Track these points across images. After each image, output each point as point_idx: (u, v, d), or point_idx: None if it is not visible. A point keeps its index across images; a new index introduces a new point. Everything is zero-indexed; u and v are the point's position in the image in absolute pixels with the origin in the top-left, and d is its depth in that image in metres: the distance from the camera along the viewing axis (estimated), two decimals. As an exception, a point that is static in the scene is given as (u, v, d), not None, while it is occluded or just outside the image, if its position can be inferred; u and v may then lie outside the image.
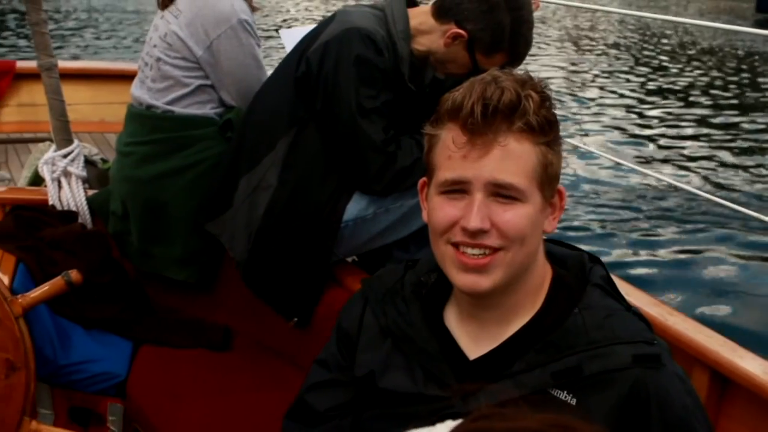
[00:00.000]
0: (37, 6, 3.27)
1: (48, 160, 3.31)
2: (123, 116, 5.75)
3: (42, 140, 5.51)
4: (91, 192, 3.35)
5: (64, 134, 3.35)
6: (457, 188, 1.50)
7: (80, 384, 2.91)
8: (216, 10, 2.91)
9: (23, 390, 2.20)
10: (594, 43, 20.62)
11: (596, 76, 15.83)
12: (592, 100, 13.39)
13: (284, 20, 23.30)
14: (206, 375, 2.96)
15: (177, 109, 3.00)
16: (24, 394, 2.21)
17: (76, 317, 3.00)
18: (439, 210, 1.53)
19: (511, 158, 1.47)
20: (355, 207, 2.71)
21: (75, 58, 17.17)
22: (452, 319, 1.66)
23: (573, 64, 17.10)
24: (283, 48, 3.51)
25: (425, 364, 1.61)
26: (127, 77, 6.23)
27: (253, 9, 3.06)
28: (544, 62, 16.50)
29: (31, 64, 6.60)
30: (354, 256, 2.93)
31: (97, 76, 5.74)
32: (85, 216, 3.26)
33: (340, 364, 1.81)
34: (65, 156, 3.31)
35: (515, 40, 2.62)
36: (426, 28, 2.71)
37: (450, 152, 1.51)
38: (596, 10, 20.33)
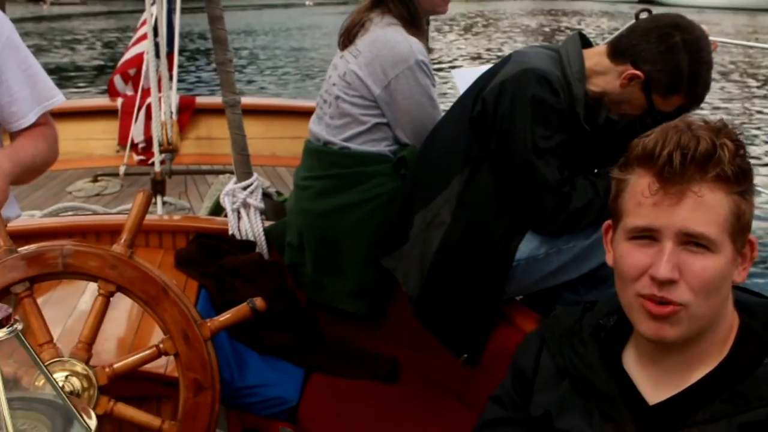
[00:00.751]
0: (224, 47, 3.47)
1: (229, 191, 3.48)
2: (293, 150, 6.01)
3: (218, 172, 5.81)
4: (267, 223, 3.50)
5: (244, 167, 3.51)
6: (647, 235, 1.50)
7: (254, 407, 3.02)
8: (395, 51, 3.00)
9: (209, 410, 2.31)
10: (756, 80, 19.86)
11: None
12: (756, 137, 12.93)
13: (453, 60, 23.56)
14: (373, 405, 3.02)
15: (353, 145, 3.10)
16: (209, 414, 2.31)
17: (252, 342, 3.13)
18: (628, 256, 1.53)
19: (704, 208, 1.45)
20: (527, 246, 2.72)
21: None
22: (631, 363, 1.65)
23: (734, 100, 16.53)
24: (453, 88, 3.57)
25: (603, 407, 1.60)
26: (296, 113, 6.51)
27: (429, 50, 3.14)
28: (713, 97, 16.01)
29: (208, 100, 7.01)
30: (522, 295, 2.93)
31: (268, 111, 6.02)
32: (263, 246, 3.41)
33: (515, 402, 1.82)
34: (245, 188, 3.48)
35: (694, 81, 2.59)
36: (601, 69, 2.71)
37: (640, 198, 1.50)
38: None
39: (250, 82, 21.96)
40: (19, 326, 1.27)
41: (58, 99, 2.51)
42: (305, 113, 6.38)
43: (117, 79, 6.55)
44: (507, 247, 2.72)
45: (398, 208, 2.96)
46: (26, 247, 2.22)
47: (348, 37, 3.14)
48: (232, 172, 5.39)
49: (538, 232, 2.72)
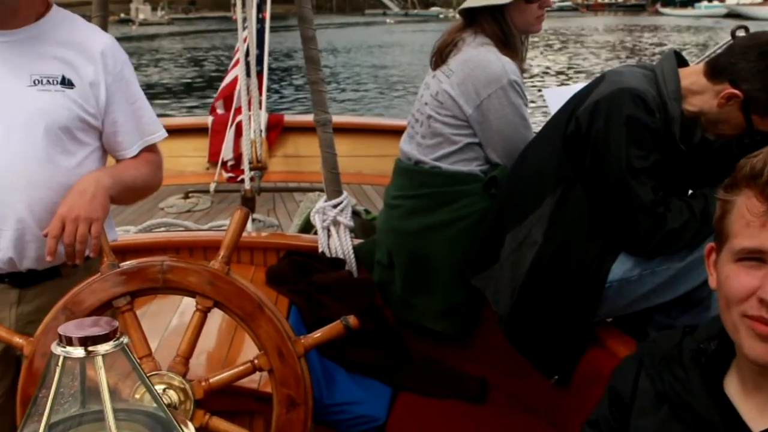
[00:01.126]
0: (316, 67, 3.52)
1: (319, 209, 3.53)
2: (378, 168, 6.06)
3: (305, 190, 5.89)
4: (356, 241, 3.53)
5: (334, 186, 3.55)
6: (755, 257, 1.47)
7: (343, 424, 3.04)
8: (487, 71, 3.00)
9: (301, 426, 2.33)
10: None
11: None
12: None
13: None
14: (461, 425, 3.02)
15: (444, 165, 3.11)
16: (302, 430, 2.34)
17: (341, 359, 3.16)
18: (734, 279, 1.50)
19: None
20: (620, 267, 2.68)
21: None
22: (734, 389, 1.61)
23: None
24: (545, 108, 3.56)
25: None
26: (381, 132, 6.57)
27: (523, 70, 3.13)
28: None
29: (295, 118, 7.11)
30: (613, 317, 2.90)
31: (354, 130, 6.08)
32: (352, 264, 3.44)
33: (611, 426, 1.79)
34: (335, 206, 3.52)
35: None
36: (698, 89, 2.66)
37: (748, 220, 1.47)
38: None
39: (332, 99, 22.19)
40: (125, 340, 1.31)
41: (160, 135, 2.59)
42: (391, 131, 6.46)
43: (218, 105, 6.70)
44: (599, 268, 2.69)
45: (489, 227, 2.96)
46: (128, 263, 2.28)
47: (440, 57, 3.16)
48: (319, 190, 5.47)
49: (631, 254, 2.68)
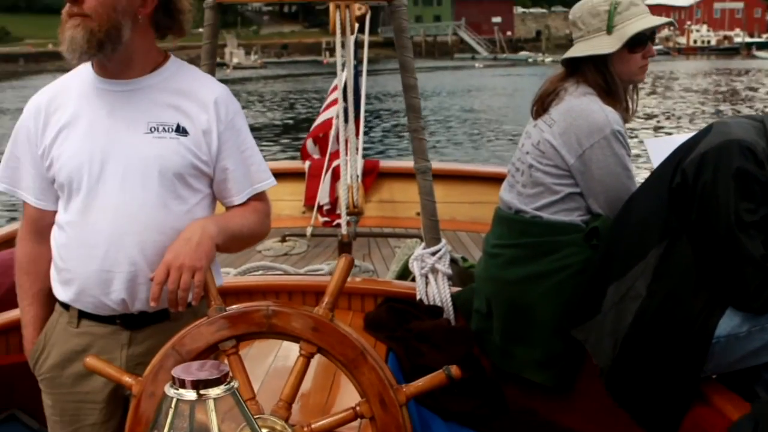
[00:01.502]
0: (417, 115, 3.56)
1: (418, 256, 3.54)
2: (472, 215, 6.05)
3: (400, 236, 5.93)
4: (454, 289, 3.53)
5: (433, 233, 3.57)
6: None
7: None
8: (590, 120, 2.99)
9: None
10: None
11: None
12: None
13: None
14: None
15: (545, 215, 3.10)
16: None
17: (437, 408, 3.15)
18: None
19: None
20: (727, 323, 2.62)
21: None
22: None
23: None
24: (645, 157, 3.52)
25: None
26: (475, 178, 6.59)
27: (626, 120, 3.12)
28: None
29: (391, 164, 7.18)
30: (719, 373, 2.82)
31: (448, 176, 6.10)
32: (450, 312, 3.44)
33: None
34: (434, 254, 3.53)
35: None
36: None
37: None
38: None
39: (404, 146, 22.32)
40: (235, 384, 1.34)
41: (269, 183, 2.63)
42: (485, 178, 6.47)
43: (309, 144, 6.82)
44: (706, 323, 2.63)
45: (590, 278, 2.93)
46: (233, 307, 2.33)
47: (542, 106, 3.16)
48: (414, 236, 5.51)
49: (739, 309, 2.62)
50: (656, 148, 3.37)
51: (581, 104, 3.04)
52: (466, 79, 55.38)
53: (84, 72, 2.48)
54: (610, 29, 3.04)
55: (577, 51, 3.11)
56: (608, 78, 3.07)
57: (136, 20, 2.37)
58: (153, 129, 2.40)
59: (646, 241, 2.73)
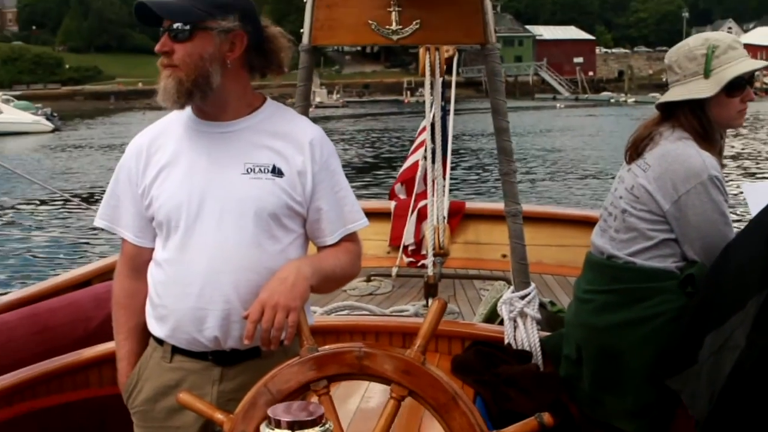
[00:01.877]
0: (508, 158, 3.56)
1: (506, 300, 3.52)
2: (558, 258, 5.99)
3: (485, 278, 5.90)
4: (542, 333, 3.49)
5: (522, 277, 3.55)
6: None
7: None
8: (686, 165, 2.94)
9: None
10: None
11: None
12: None
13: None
14: None
15: (639, 260, 3.05)
16: None
17: (523, 455, 3.10)
18: None
19: None
20: (831, 377, 2.53)
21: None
22: None
23: None
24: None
25: None
26: (561, 221, 6.52)
27: (722, 165, 3.06)
28: None
29: (476, 205, 7.17)
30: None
31: (533, 219, 6.05)
32: (538, 357, 3.40)
33: None
34: (522, 297, 3.50)
35: None
36: None
37: None
38: None
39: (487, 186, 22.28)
40: (329, 426, 1.35)
41: (362, 223, 2.65)
42: (571, 221, 6.41)
43: (398, 187, 6.86)
44: (809, 376, 2.54)
45: (686, 327, 2.86)
46: (326, 347, 2.34)
47: (636, 150, 3.12)
48: (500, 278, 5.47)
49: None
50: (755, 194, 3.29)
51: (677, 149, 3.00)
52: (548, 119, 55.13)
53: (184, 114, 2.54)
54: (707, 73, 3.00)
55: (673, 95, 3.07)
56: (705, 123, 3.02)
57: (225, 65, 2.43)
58: (249, 170, 2.45)
59: (745, 290, 2.66)
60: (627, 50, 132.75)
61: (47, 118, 53.34)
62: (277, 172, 2.46)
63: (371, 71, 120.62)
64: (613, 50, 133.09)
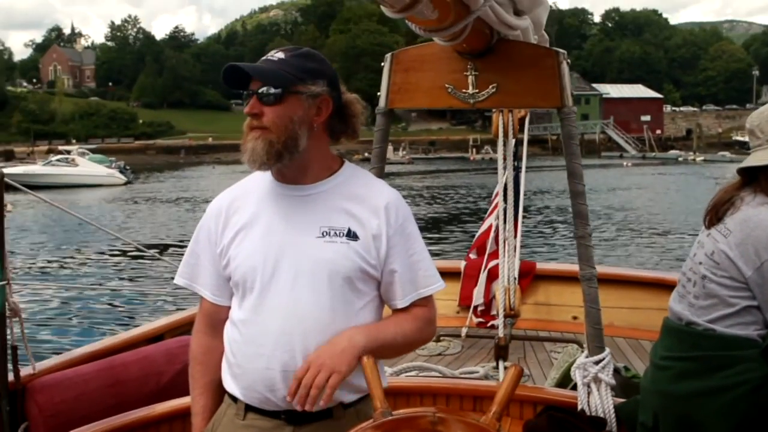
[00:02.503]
0: (584, 222, 3.52)
1: (580, 365, 3.46)
2: (630, 321, 5.89)
3: (556, 340, 5.83)
4: (616, 400, 3.42)
5: (597, 341, 3.48)
6: None
7: None
8: None
9: None
10: None
11: None
12: None
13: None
14: None
15: (719, 328, 2.98)
16: None
17: None
18: None
19: None
20: None
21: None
22: None
23: None
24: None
25: None
26: (632, 283, 6.43)
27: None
28: None
29: (547, 266, 7.12)
30: None
31: (605, 280, 5.98)
32: (613, 424, 3.33)
33: None
34: (597, 362, 3.44)
35: None
36: None
37: None
38: None
39: (570, 243, 22.03)
40: None
41: (437, 287, 2.64)
42: (643, 283, 6.31)
43: (472, 252, 6.85)
44: None
45: (765, 397, 2.78)
46: (400, 411, 2.32)
47: (716, 215, 3.07)
48: (570, 341, 5.41)
49: None
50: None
51: (759, 214, 2.94)
52: (615, 177, 54.71)
53: (263, 176, 2.58)
54: None
55: (755, 160, 3.03)
56: None
57: (312, 129, 2.47)
58: (325, 233, 2.47)
59: None
60: (695, 108, 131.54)
61: (120, 171, 54.95)
62: (352, 235, 2.48)
63: (437, 128, 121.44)
64: (681, 108, 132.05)
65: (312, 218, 2.49)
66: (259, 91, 2.42)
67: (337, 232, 2.47)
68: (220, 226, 2.58)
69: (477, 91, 3.52)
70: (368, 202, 2.53)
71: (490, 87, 3.51)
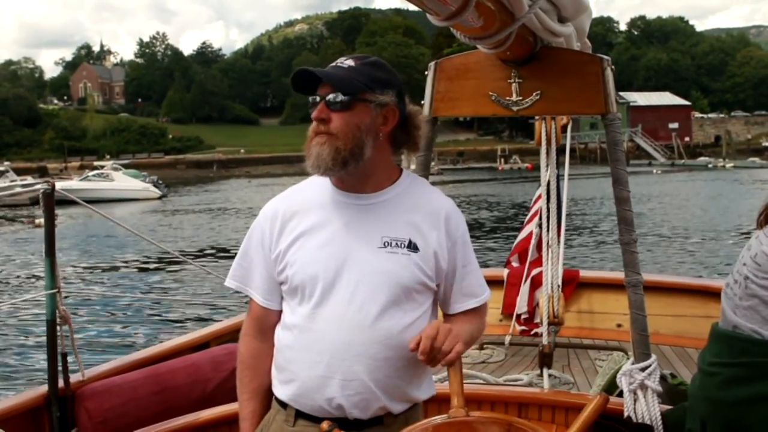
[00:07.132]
0: (629, 228, 3.52)
1: (626, 371, 3.45)
2: (675, 328, 5.85)
3: (600, 347, 5.81)
4: (663, 407, 3.41)
5: (643, 348, 3.47)
6: None
7: None
8: None
9: None
10: None
11: None
12: None
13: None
14: None
15: (765, 331, 2.97)
16: None
17: None
18: None
19: None
20: None
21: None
22: None
23: None
24: None
25: None
26: (676, 290, 6.38)
27: None
28: None
29: (590, 274, 7.08)
30: None
31: (649, 288, 5.95)
32: (659, 431, 3.31)
33: None
34: (643, 369, 3.43)
35: None
36: None
37: None
38: None
39: (602, 251, 21.89)
40: None
41: (484, 297, 2.69)
42: (688, 290, 6.26)
43: (513, 259, 6.85)
44: None
45: None
46: (475, 413, 2.35)
47: (766, 217, 3.07)
48: (615, 348, 5.37)
49: None
50: None
51: None
52: (644, 185, 54.29)
53: (320, 182, 2.60)
54: None
55: None
56: None
57: (377, 138, 2.49)
58: (387, 244, 2.49)
59: None
60: (724, 115, 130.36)
61: (155, 185, 55.59)
62: (413, 246, 2.50)
63: (465, 139, 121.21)
64: (710, 115, 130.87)
65: (374, 228, 2.51)
66: (328, 97, 2.43)
67: (399, 243, 2.49)
68: (276, 230, 2.59)
69: (521, 98, 3.53)
70: (428, 213, 2.55)
71: (534, 94, 3.52)
